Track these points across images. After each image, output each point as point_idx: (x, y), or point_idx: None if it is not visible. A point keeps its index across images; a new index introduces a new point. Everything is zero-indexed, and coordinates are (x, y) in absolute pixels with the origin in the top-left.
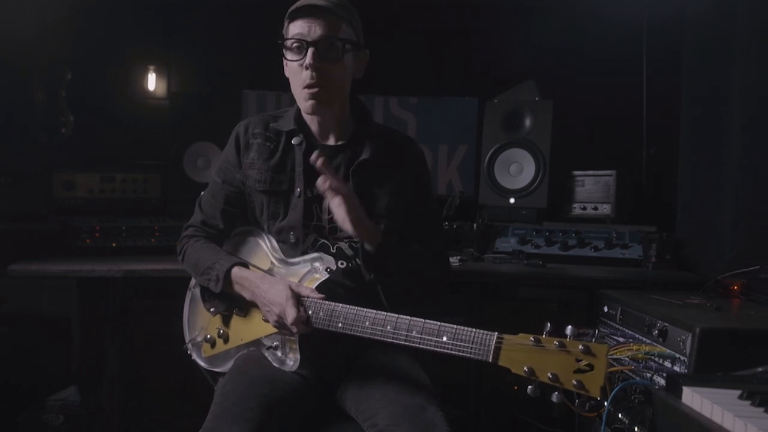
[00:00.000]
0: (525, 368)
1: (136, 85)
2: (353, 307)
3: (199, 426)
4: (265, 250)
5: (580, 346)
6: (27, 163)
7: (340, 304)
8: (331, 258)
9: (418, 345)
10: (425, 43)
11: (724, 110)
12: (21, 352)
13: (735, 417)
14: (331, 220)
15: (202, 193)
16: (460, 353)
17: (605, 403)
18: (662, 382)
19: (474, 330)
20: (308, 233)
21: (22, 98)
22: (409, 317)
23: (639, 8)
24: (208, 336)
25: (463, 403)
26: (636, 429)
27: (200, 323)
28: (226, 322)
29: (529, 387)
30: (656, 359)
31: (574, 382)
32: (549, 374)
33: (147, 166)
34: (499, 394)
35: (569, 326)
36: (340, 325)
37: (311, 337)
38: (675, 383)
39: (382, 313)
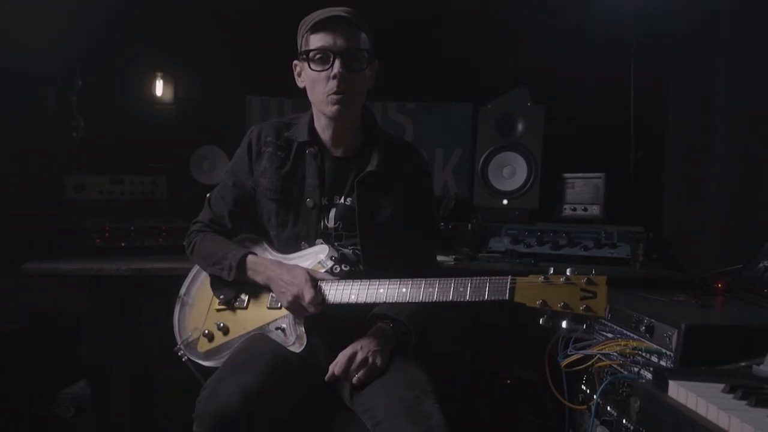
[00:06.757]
0: (539, 301)
1: (145, 91)
2: (365, 280)
3: None
4: (268, 249)
5: (584, 279)
6: (39, 166)
7: (351, 281)
8: (325, 246)
9: (438, 299)
10: (423, 51)
11: (709, 114)
12: (33, 347)
13: (719, 410)
14: (338, 228)
15: (213, 191)
16: (480, 299)
17: (594, 396)
18: (649, 376)
19: (488, 278)
20: (316, 241)
21: (35, 104)
22: (422, 278)
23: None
24: (206, 331)
25: (459, 397)
26: (624, 421)
27: (193, 324)
28: (226, 315)
29: (541, 319)
30: (643, 354)
31: (583, 306)
32: (560, 303)
33: (154, 169)
34: (494, 389)
35: (568, 269)
36: (353, 297)
37: (312, 334)
38: (661, 377)
39: (396, 280)
